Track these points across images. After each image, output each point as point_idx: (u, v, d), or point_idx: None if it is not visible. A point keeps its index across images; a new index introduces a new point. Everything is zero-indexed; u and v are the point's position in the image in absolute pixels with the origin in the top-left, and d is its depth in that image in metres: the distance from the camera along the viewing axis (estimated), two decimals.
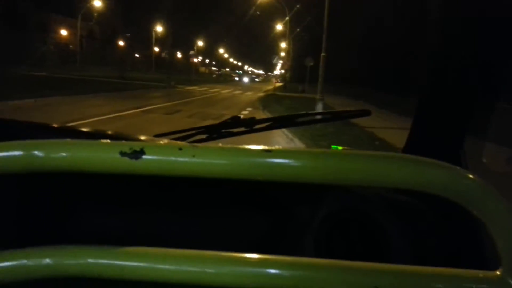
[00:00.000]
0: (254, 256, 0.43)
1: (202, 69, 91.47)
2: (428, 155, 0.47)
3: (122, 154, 0.41)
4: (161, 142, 0.44)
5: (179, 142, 0.44)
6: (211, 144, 0.46)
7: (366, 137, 8.21)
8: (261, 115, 12.30)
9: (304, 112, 1.23)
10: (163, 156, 0.41)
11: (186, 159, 0.41)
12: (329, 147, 1.07)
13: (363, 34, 30.28)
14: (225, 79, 65.33)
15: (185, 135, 1.13)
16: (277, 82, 41.17)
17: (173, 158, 0.41)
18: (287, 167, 0.40)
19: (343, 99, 21.53)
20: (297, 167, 0.40)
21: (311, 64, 22.64)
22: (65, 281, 0.45)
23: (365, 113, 1.16)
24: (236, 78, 77.56)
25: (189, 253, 0.44)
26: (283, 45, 38.86)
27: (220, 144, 0.43)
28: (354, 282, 0.41)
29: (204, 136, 1.14)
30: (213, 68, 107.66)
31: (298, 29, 36.08)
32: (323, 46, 10.75)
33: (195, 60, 62.22)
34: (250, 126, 1.12)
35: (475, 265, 0.45)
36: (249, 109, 14.23)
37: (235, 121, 1.14)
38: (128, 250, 0.45)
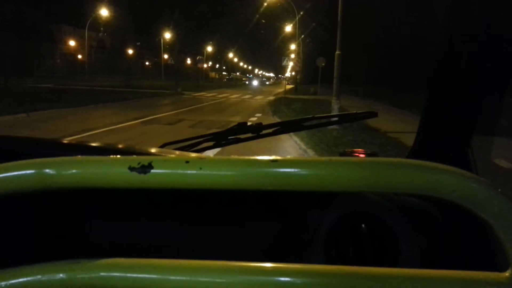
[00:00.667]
0: (265, 264, 0.44)
1: (212, 74, 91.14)
2: (436, 156, 0.61)
3: (131, 169, 0.42)
4: (169, 155, 0.44)
5: (186, 155, 0.46)
6: (218, 156, 0.45)
7: (394, 146, 7.10)
8: (271, 121, 11.27)
9: (311, 115, 1.23)
10: (171, 170, 0.42)
11: (194, 172, 0.42)
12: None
13: (378, 32, 29.10)
14: (236, 83, 64.63)
15: (192, 142, 1.16)
16: (288, 84, 40.21)
17: (180, 171, 0.42)
18: (295, 176, 0.41)
19: (359, 100, 20.43)
20: (305, 176, 0.41)
21: (323, 64, 21.70)
22: None
23: (372, 114, 1.17)
24: (247, 82, 76.93)
25: (200, 263, 0.45)
26: (292, 46, 37.96)
27: (232, 156, 0.43)
28: None
29: (211, 143, 1.16)
30: (223, 73, 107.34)
31: (308, 31, 35.12)
32: (338, 43, 9.72)
33: (205, 65, 61.71)
34: (257, 132, 1.12)
35: (485, 267, 0.45)
36: (258, 115, 13.30)
37: (242, 127, 1.14)
38: (140, 262, 0.45)
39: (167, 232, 0.83)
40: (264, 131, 1.15)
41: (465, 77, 0.93)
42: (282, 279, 0.42)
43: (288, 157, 0.43)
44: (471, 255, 0.79)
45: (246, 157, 0.43)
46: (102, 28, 50.64)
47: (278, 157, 0.42)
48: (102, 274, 0.44)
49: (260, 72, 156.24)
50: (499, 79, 0.95)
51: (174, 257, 0.45)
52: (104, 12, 42.82)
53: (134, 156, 0.44)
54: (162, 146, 1.18)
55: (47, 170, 0.43)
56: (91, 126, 9.07)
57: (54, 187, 0.44)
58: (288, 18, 36.37)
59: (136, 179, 0.42)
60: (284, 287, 0.42)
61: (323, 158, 0.42)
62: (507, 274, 0.40)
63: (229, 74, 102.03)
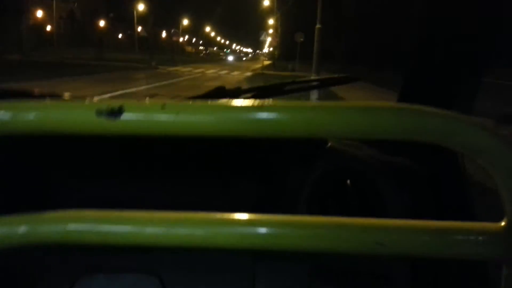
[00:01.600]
0: (245, 216, 0.41)
1: (189, 48, 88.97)
2: None
3: (99, 113, 0.38)
4: (143, 101, 0.41)
5: (162, 100, 0.42)
6: (196, 101, 0.41)
7: None
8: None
9: (291, 80, 1.24)
10: (145, 115, 0.39)
11: (170, 117, 0.39)
12: None
13: (359, 5, 28.56)
14: (212, 58, 63.28)
15: None
16: (266, 60, 39.56)
17: (155, 116, 0.39)
18: (281, 121, 0.39)
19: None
20: (291, 121, 0.39)
21: (302, 40, 21.22)
22: (43, 247, 0.42)
23: (353, 79, 1.18)
24: (224, 57, 75.57)
25: (178, 215, 0.42)
26: (271, 21, 37.10)
27: (213, 101, 0.40)
28: (354, 239, 0.39)
29: None
30: (200, 47, 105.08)
31: (287, 4, 34.35)
32: (318, 15, 9.26)
33: (180, 39, 59.98)
34: (236, 97, 1.09)
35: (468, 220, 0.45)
36: None
37: (220, 92, 1.12)
38: (111, 214, 0.42)
39: (144, 192, 0.75)
40: (243, 96, 1.11)
41: (443, 58, 0.93)
42: (264, 230, 0.40)
43: (273, 101, 0.39)
44: (456, 210, 0.78)
45: (228, 101, 0.39)
46: None
47: (264, 101, 0.39)
48: (69, 226, 0.41)
49: (238, 47, 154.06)
50: (476, 61, 0.98)
51: None
52: None
53: (104, 99, 0.40)
54: None
55: (2, 114, 0.38)
56: None
57: (10, 133, 0.39)
58: None
59: (104, 125, 0.38)
60: (266, 238, 0.40)
61: (312, 104, 0.39)
62: (503, 223, 0.39)
63: (206, 49, 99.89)
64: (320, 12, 9.47)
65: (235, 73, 24.47)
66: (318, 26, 9.39)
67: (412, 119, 0.38)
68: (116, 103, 0.38)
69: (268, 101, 0.39)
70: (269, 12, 37.73)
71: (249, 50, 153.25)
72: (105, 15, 65.14)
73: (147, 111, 0.38)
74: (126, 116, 0.38)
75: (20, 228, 0.41)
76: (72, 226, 0.41)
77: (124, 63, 23.48)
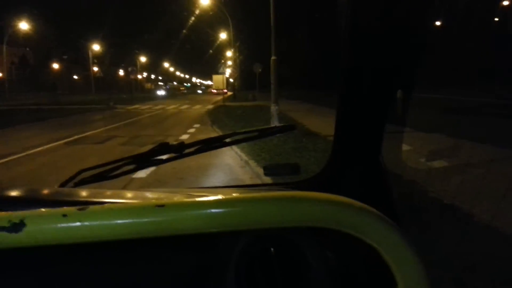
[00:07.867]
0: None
1: (148, 85, 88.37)
2: (351, 163, 0.70)
3: (0, 228, 0.38)
4: (44, 210, 0.41)
5: (64, 208, 0.42)
6: (103, 205, 0.42)
7: None
8: (210, 132, 10.97)
9: (232, 132, 1.27)
10: (47, 225, 0.39)
11: (72, 225, 0.39)
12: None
13: (312, 33, 29.56)
14: (173, 94, 63.08)
15: (112, 167, 1.10)
16: (225, 90, 39.94)
17: (57, 226, 0.39)
18: (183, 220, 0.40)
19: (298, 105, 20.48)
20: (194, 218, 0.40)
21: (260, 70, 21.61)
22: None
23: (291, 128, 1.24)
24: (185, 91, 75.43)
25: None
26: (229, 53, 37.71)
27: (117, 205, 0.41)
28: None
29: (132, 167, 1.11)
30: (159, 83, 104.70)
31: (241, 38, 35.08)
32: (273, 48, 9.45)
33: (139, 76, 59.60)
34: (179, 152, 1.11)
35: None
36: (197, 125, 12.73)
37: (164, 148, 1.12)
38: None
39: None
40: (187, 150, 1.11)
41: (374, 75, 0.95)
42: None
43: (178, 197, 0.41)
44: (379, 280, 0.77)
45: (130, 205, 0.40)
46: (25, 38, 46.97)
47: (165, 201, 0.40)
48: None
49: (198, 80, 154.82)
50: (406, 78, 1.01)
51: None
52: (24, 25, 39.73)
53: (3, 212, 0.40)
54: (79, 173, 1.08)
55: None
56: (5, 151, 7.99)
57: None
58: (223, 25, 36.11)
59: (7, 239, 0.37)
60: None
61: (212, 199, 0.40)
62: None
63: (165, 84, 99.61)
64: (274, 44, 9.67)
65: (197, 107, 24.41)
66: (273, 57, 9.54)
67: (314, 208, 0.40)
68: (17, 216, 0.37)
69: (171, 200, 0.39)
70: (227, 44, 38.40)
71: (210, 82, 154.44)
72: (59, 57, 63.94)
73: (48, 222, 0.37)
74: (28, 228, 0.37)
75: None
76: None
77: (81, 106, 22.97)
